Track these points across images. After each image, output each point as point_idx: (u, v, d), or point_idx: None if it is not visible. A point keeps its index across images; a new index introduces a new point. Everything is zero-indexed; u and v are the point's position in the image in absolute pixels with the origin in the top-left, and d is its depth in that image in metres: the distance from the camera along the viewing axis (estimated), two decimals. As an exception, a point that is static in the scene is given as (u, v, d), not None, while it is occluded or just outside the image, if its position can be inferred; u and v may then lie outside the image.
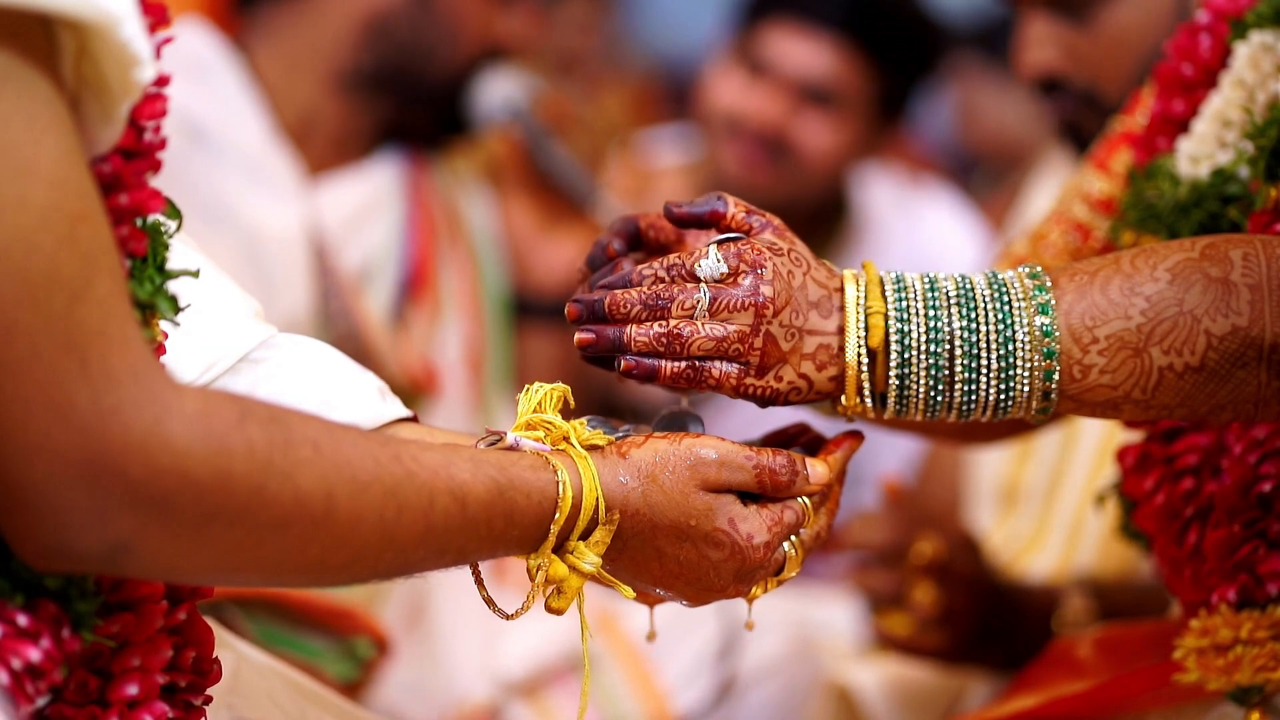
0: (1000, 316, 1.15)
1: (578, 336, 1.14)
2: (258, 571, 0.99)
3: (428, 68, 2.20)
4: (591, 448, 1.12)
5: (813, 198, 2.78)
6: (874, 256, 2.88)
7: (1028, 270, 1.17)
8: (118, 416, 0.88)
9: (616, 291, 1.15)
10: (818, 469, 1.16)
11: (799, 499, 1.16)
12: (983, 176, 4.32)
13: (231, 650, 1.24)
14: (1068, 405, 1.16)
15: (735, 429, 1.27)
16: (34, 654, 0.93)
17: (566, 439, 1.11)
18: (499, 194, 2.44)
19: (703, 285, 1.14)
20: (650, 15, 5.40)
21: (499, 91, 2.33)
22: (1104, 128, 1.74)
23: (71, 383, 0.88)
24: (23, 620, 0.93)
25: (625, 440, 1.13)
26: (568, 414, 1.14)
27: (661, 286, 1.14)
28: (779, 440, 1.23)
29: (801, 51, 2.73)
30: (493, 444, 1.12)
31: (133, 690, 1.00)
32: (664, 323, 1.14)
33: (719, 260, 1.14)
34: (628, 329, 1.14)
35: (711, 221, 1.19)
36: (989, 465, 2.21)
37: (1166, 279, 1.14)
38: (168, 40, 1.00)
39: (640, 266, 1.16)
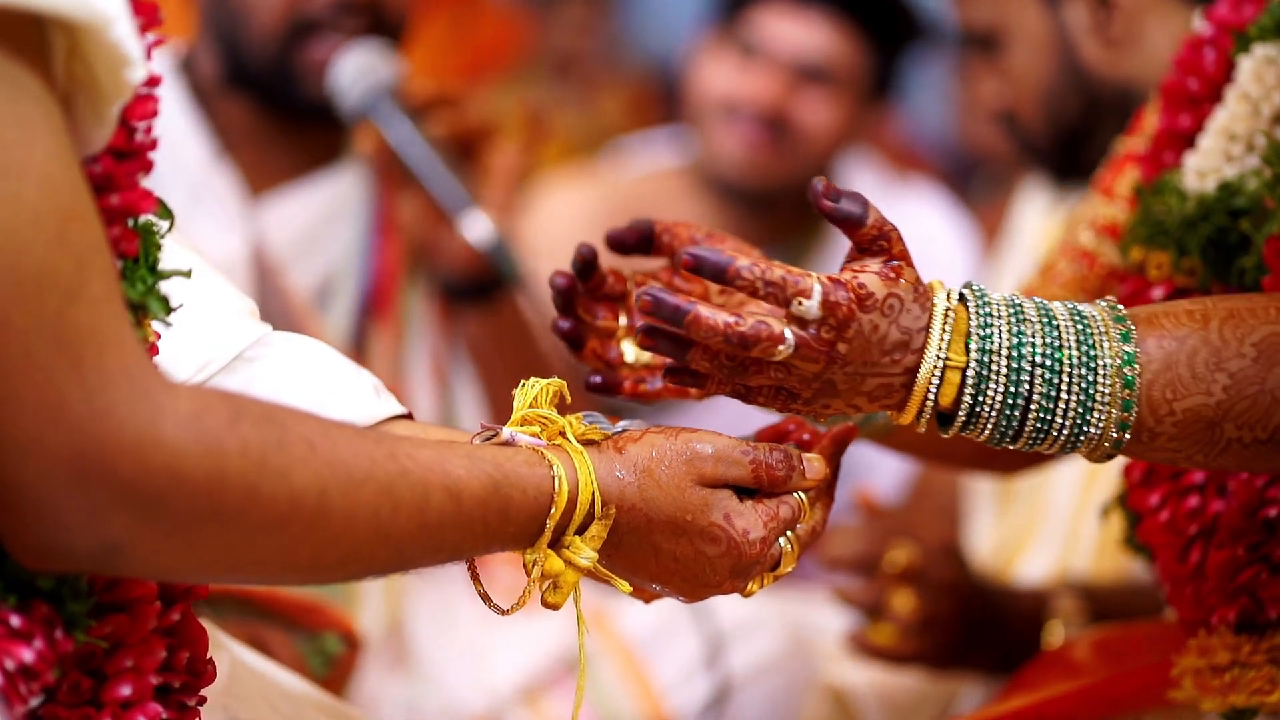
0: (1082, 400, 1.11)
1: (639, 335, 1.11)
2: (252, 570, 0.99)
3: (248, 55, 2.09)
4: (587, 443, 1.11)
5: (804, 181, 2.77)
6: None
7: (1120, 333, 1.12)
8: (111, 416, 0.88)
9: (703, 313, 1.08)
10: (814, 464, 1.16)
11: (795, 494, 1.16)
12: (983, 179, 4.32)
13: (226, 651, 1.24)
14: (1125, 454, 1.15)
15: (724, 424, 1.27)
16: (27, 655, 0.93)
17: (562, 434, 1.11)
18: (386, 188, 2.21)
19: (788, 334, 1.09)
20: (648, 17, 5.40)
21: (350, 75, 2.07)
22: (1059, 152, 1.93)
23: (64, 383, 0.88)
24: (15, 621, 0.93)
25: (622, 435, 1.12)
26: (564, 409, 1.14)
27: (748, 328, 1.08)
28: (773, 437, 1.23)
29: (795, 31, 2.73)
30: (488, 439, 1.11)
31: (126, 691, 1.00)
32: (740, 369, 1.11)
33: (818, 310, 1.09)
34: (693, 353, 1.10)
35: (845, 228, 1.12)
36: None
37: (1252, 355, 1.12)
38: (159, 42, 1.00)
39: (740, 264, 1.09)
